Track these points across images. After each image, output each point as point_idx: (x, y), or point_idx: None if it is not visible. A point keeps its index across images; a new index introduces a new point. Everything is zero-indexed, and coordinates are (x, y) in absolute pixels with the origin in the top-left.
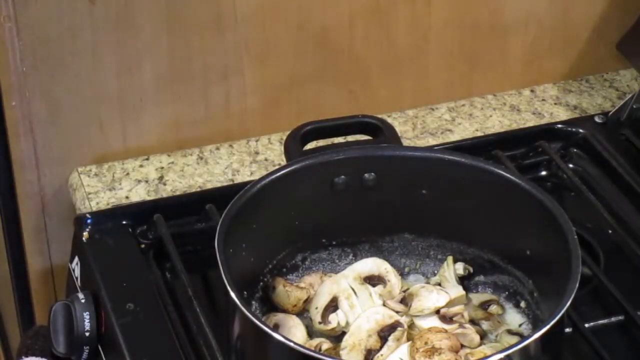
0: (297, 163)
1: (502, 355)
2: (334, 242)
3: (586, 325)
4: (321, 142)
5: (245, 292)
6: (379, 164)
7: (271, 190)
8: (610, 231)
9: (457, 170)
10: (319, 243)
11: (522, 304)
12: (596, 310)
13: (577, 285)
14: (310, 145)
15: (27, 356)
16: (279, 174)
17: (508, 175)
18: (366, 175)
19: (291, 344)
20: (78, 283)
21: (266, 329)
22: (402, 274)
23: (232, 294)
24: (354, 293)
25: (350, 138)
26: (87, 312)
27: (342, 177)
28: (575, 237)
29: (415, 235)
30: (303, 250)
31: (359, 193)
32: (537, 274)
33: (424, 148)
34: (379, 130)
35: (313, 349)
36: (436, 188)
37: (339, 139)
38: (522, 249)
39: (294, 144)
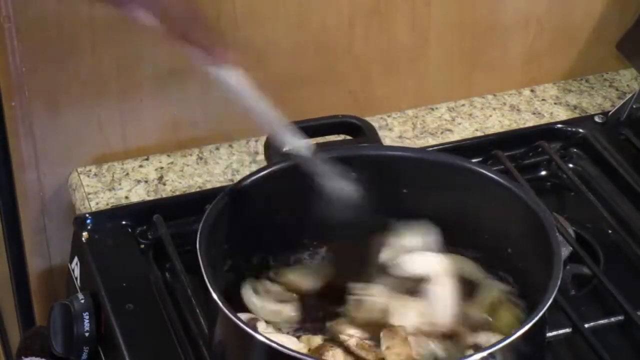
0: (277, 164)
1: (484, 353)
2: (315, 243)
3: (586, 325)
4: None
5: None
6: (359, 163)
7: (252, 192)
8: (610, 231)
9: (437, 169)
10: (301, 243)
11: None
12: (596, 310)
13: (559, 282)
14: None
15: (26, 356)
16: (259, 175)
17: (488, 174)
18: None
19: (273, 344)
20: (77, 283)
21: (249, 329)
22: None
23: (214, 295)
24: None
25: (332, 138)
26: (87, 313)
27: None
28: (556, 233)
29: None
30: (286, 251)
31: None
32: (519, 272)
33: (404, 147)
34: (360, 130)
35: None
36: (416, 187)
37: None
38: (503, 247)
39: (274, 144)
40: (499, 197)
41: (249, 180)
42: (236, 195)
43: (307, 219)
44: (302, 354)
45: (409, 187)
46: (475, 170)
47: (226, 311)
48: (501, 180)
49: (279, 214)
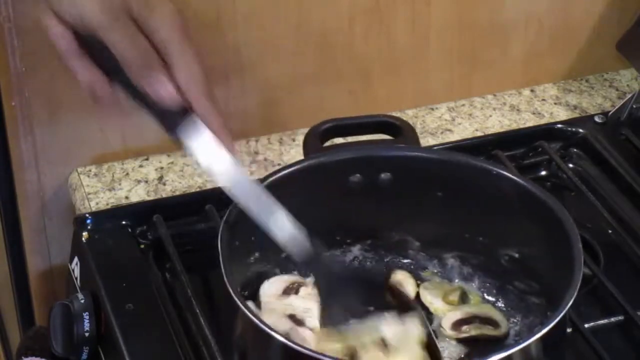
0: (313, 159)
1: (502, 355)
2: (348, 240)
3: (586, 325)
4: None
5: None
6: (395, 164)
7: (285, 185)
8: (610, 231)
9: (473, 173)
10: (334, 241)
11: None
12: (596, 311)
13: (579, 284)
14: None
15: (26, 356)
16: (293, 168)
17: (520, 181)
18: (382, 175)
19: (290, 343)
20: (77, 283)
21: (267, 329)
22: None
23: (233, 293)
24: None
25: (371, 137)
26: (87, 313)
27: (358, 175)
28: (580, 244)
29: (429, 237)
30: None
31: (374, 192)
32: (544, 277)
33: (442, 150)
34: (399, 131)
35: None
36: (451, 191)
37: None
38: (525, 248)
39: (313, 140)
40: (530, 205)
41: (281, 173)
42: (267, 188)
43: (340, 216)
44: (319, 353)
45: (444, 190)
46: (506, 177)
47: (244, 309)
48: (535, 190)
49: (312, 209)
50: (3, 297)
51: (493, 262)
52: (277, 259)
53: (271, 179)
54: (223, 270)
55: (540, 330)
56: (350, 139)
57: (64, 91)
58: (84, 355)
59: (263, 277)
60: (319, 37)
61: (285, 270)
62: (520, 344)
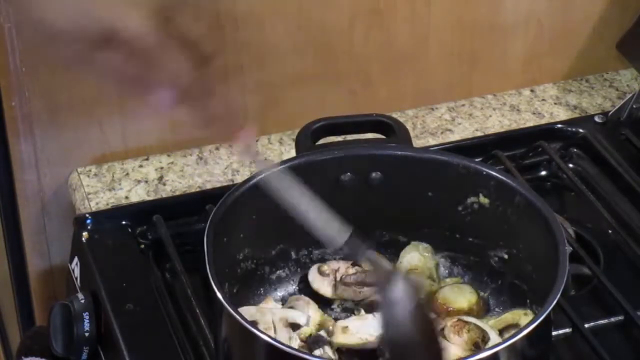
0: (304, 157)
1: (488, 353)
2: None
3: (586, 325)
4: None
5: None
6: (386, 163)
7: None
8: (610, 231)
9: (463, 173)
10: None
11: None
12: (596, 311)
13: (565, 279)
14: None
15: (26, 356)
16: (284, 166)
17: (509, 182)
18: (373, 174)
19: (275, 342)
20: (77, 283)
21: (250, 327)
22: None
23: (218, 293)
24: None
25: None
26: (87, 313)
27: (348, 174)
28: (565, 244)
29: (420, 236)
30: (306, 245)
31: (364, 191)
32: (533, 277)
33: (432, 150)
34: (392, 130)
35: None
36: (442, 190)
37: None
38: (512, 250)
39: (305, 138)
40: (516, 203)
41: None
42: (258, 186)
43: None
44: (303, 352)
45: (435, 190)
46: (494, 176)
47: (228, 308)
48: (525, 193)
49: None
50: (3, 297)
51: (483, 263)
52: (267, 256)
53: (259, 176)
54: (207, 268)
55: (525, 329)
56: (343, 138)
57: (64, 91)
58: (84, 355)
59: (253, 274)
60: (319, 37)
61: (275, 268)
62: (505, 342)
